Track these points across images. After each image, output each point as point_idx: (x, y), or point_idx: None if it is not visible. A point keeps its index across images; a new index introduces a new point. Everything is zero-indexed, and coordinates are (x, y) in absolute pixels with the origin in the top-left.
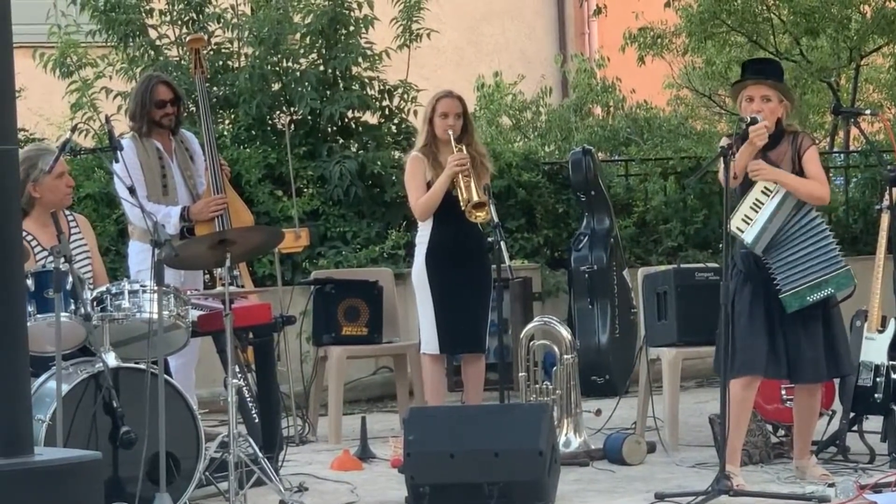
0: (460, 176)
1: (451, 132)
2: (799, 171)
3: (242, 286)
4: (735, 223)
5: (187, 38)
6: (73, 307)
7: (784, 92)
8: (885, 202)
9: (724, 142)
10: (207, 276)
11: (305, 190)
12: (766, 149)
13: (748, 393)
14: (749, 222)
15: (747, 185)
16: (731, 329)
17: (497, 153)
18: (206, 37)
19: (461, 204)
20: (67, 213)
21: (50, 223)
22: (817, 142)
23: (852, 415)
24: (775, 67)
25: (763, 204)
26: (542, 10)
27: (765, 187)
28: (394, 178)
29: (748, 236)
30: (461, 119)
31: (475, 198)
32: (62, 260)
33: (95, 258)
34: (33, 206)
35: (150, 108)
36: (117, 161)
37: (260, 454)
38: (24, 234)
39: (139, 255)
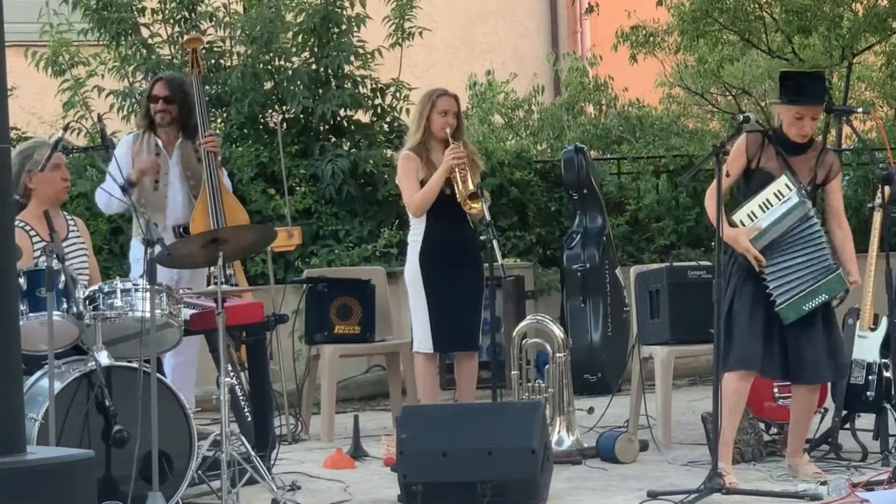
0: (457, 170)
1: (447, 130)
2: (815, 186)
3: (236, 285)
4: (739, 216)
5: (184, 38)
6: (65, 306)
7: None
8: (878, 200)
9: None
10: None
11: (298, 188)
12: (791, 153)
13: (743, 385)
14: (753, 219)
15: (760, 181)
16: (730, 323)
17: (489, 151)
18: (202, 37)
19: (458, 196)
20: (66, 214)
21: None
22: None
23: (844, 413)
24: (824, 83)
25: (772, 206)
26: (535, 9)
27: (778, 191)
28: (386, 176)
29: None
30: (456, 118)
31: (471, 188)
32: (54, 258)
33: (91, 259)
34: (30, 198)
35: (147, 102)
36: (110, 160)
37: (252, 453)
38: (24, 225)
39: (135, 248)
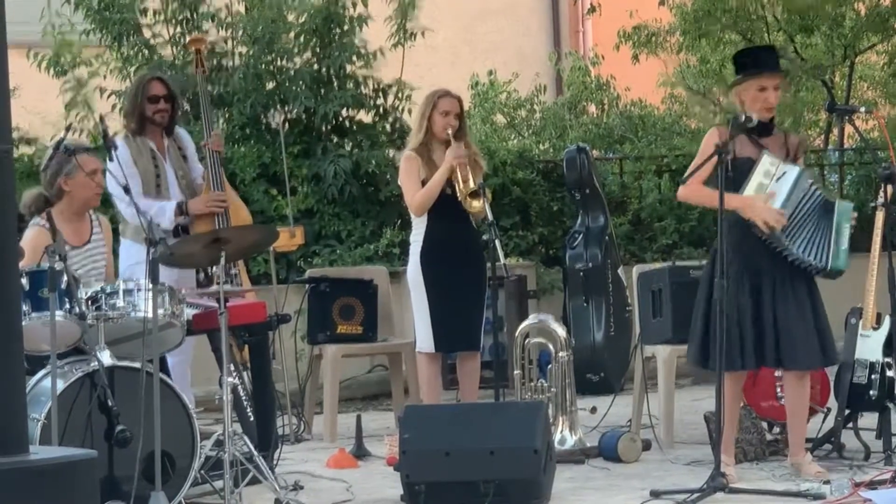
0: (458, 169)
1: (449, 131)
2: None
3: (241, 285)
4: None
5: (188, 39)
6: (67, 306)
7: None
8: (880, 199)
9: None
10: (202, 276)
11: (300, 188)
12: (761, 135)
13: (737, 387)
14: None
15: (742, 169)
16: (732, 322)
17: (492, 151)
18: (206, 37)
19: (458, 195)
20: (92, 214)
21: (73, 219)
22: (811, 139)
23: (847, 412)
24: (776, 54)
25: (767, 188)
26: (537, 9)
27: (766, 171)
28: (388, 176)
29: None
30: (458, 119)
31: (472, 186)
32: (57, 259)
33: (109, 259)
34: (60, 198)
35: (143, 104)
36: (112, 160)
37: (255, 452)
38: (46, 224)
39: (129, 251)
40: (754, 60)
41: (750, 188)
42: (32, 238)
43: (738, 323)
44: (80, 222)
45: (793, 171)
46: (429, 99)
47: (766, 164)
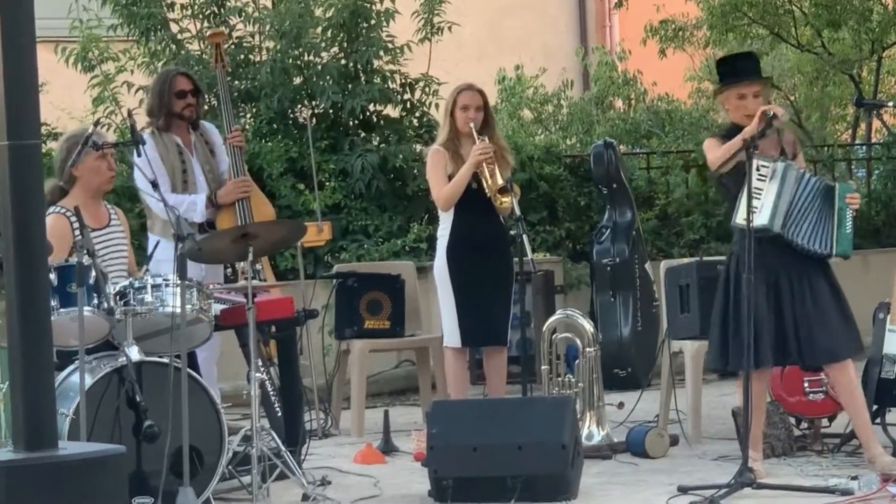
0: (485, 165)
1: (472, 124)
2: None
3: (265, 280)
4: (741, 217)
5: (207, 33)
6: (95, 301)
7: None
8: None
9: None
10: (230, 270)
11: (327, 183)
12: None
13: (761, 385)
14: (756, 211)
15: (741, 172)
16: (739, 322)
17: (518, 146)
18: (226, 31)
19: (487, 191)
20: (108, 205)
21: (89, 203)
22: (839, 134)
23: (875, 407)
24: (756, 61)
25: (762, 190)
26: (563, 3)
27: (759, 175)
28: (415, 171)
29: (762, 219)
30: (482, 112)
31: (500, 183)
32: (85, 254)
33: (129, 250)
34: (73, 185)
35: (169, 100)
36: (140, 155)
37: (283, 448)
38: (66, 212)
39: (158, 247)
40: (732, 69)
41: (745, 193)
42: (52, 226)
43: (757, 321)
44: (95, 206)
45: (779, 167)
46: (451, 94)
47: (757, 165)
